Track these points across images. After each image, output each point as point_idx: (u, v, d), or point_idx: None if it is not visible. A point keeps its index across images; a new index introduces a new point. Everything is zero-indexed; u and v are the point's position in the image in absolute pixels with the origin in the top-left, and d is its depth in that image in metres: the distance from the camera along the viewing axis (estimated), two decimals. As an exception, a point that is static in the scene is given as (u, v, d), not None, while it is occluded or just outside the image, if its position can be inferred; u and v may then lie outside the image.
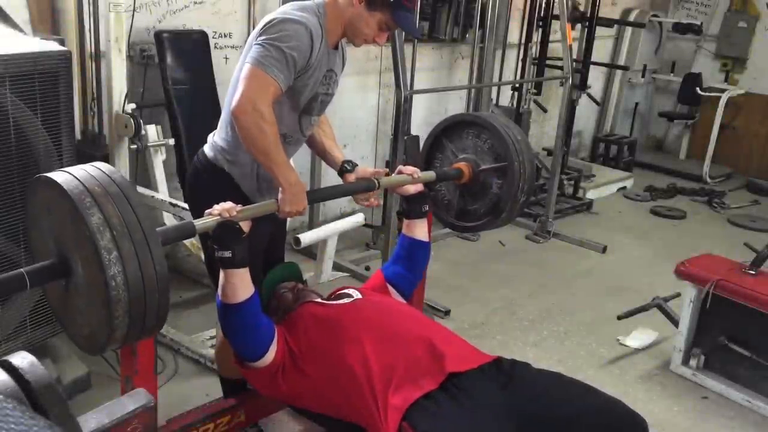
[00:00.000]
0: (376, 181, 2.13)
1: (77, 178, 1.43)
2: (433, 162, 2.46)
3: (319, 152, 2.36)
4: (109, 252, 1.35)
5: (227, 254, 1.77)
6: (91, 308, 1.43)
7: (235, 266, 1.79)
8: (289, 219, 3.85)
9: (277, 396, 2.03)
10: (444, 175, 2.30)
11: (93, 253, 1.36)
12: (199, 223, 1.72)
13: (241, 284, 1.81)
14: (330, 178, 4.69)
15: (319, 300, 2.10)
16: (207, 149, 2.16)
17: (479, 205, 2.36)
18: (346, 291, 2.16)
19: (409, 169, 2.19)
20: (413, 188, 2.19)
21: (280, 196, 1.98)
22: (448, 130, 2.41)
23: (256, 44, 1.93)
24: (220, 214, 1.75)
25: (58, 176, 1.45)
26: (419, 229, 2.22)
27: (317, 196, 2.02)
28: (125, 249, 1.37)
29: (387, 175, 2.24)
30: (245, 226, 1.82)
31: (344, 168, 2.23)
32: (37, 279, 1.46)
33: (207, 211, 1.76)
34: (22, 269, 1.43)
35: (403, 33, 3.47)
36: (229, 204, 1.78)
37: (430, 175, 2.24)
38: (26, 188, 2.34)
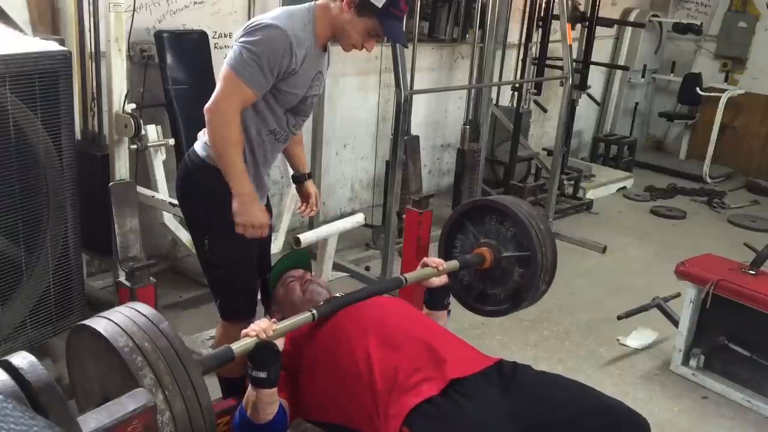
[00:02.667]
0: (403, 279, 2.14)
1: (125, 332, 1.39)
2: (453, 242, 2.45)
3: (285, 154, 2.46)
4: (162, 414, 1.34)
5: (262, 375, 1.72)
6: None
7: (269, 386, 1.74)
8: (288, 219, 3.85)
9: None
10: (466, 263, 2.28)
11: None
12: (237, 347, 1.68)
13: (271, 401, 1.77)
14: (331, 178, 4.70)
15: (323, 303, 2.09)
16: (199, 149, 2.16)
17: (499, 290, 2.35)
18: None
19: (435, 261, 2.18)
20: (438, 281, 2.17)
21: (234, 209, 2.04)
22: (470, 213, 2.39)
23: (235, 46, 1.98)
24: (257, 335, 1.70)
25: (105, 328, 1.40)
26: (439, 321, 2.20)
27: (354, 297, 2.02)
28: (177, 407, 1.36)
29: (314, 204, 2.50)
30: (280, 343, 1.78)
31: (296, 178, 2.51)
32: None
33: (243, 331, 1.72)
34: (77, 419, 1.38)
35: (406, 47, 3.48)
36: (265, 322, 1.74)
37: (454, 265, 2.23)
38: (36, 191, 2.36)
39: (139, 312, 1.47)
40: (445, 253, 2.43)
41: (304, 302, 2.10)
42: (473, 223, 2.39)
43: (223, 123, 1.98)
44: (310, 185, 2.51)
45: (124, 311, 1.47)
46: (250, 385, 1.76)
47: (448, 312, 2.27)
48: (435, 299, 2.21)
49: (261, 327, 1.72)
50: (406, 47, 3.38)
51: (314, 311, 1.86)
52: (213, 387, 2.55)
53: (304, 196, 2.52)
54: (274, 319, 1.80)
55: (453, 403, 1.70)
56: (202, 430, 1.40)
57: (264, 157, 2.19)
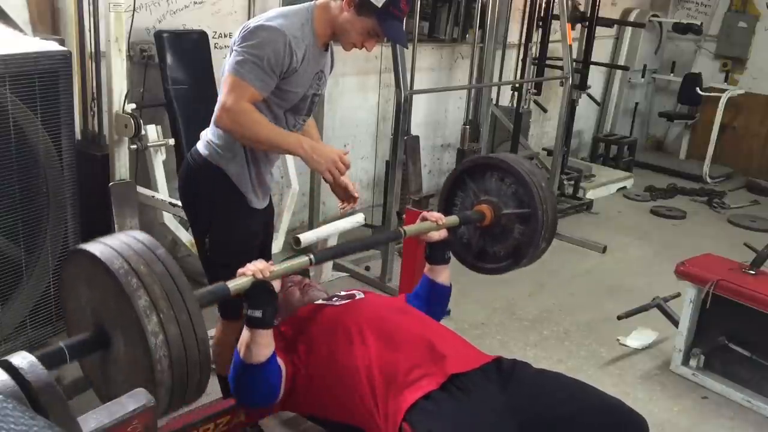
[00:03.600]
0: (402, 231, 2.14)
1: (121, 255, 1.39)
2: (454, 200, 2.45)
3: None
4: (156, 336, 1.33)
5: (258, 314, 1.73)
6: (130, 383, 1.41)
7: (264, 326, 1.76)
8: (288, 219, 3.85)
9: (283, 410, 2.04)
10: (467, 219, 2.28)
11: (139, 335, 1.33)
12: (234, 284, 1.69)
13: (265, 343, 1.78)
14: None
15: (321, 302, 2.10)
16: (201, 147, 2.16)
17: (499, 248, 2.35)
18: (350, 293, 2.16)
19: (434, 215, 2.17)
20: (437, 235, 2.17)
21: (308, 165, 2.00)
22: (471, 170, 2.39)
23: (234, 52, 1.97)
24: (253, 274, 1.71)
25: (101, 251, 1.40)
26: (441, 275, 2.22)
27: (349, 247, 2.01)
28: (171, 332, 1.35)
29: (353, 196, 2.29)
30: (277, 284, 1.78)
31: None
32: (76, 352, 1.45)
33: (240, 270, 1.73)
34: (61, 343, 1.42)
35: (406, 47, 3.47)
36: (261, 263, 1.74)
37: (454, 220, 2.23)
38: (36, 191, 2.36)
39: (136, 238, 1.46)
40: (445, 211, 2.42)
41: (303, 303, 2.10)
42: (474, 180, 2.38)
43: (236, 116, 1.93)
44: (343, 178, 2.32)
45: (121, 237, 1.46)
46: (245, 326, 1.77)
47: (448, 312, 2.27)
48: (435, 253, 2.20)
49: (258, 267, 1.73)
50: (406, 48, 3.38)
51: (311, 256, 1.86)
52: (213, 387, 2.55)
53: (340, 189, 2.26)
54: (271, 261, 1.79)
55: (452, 399, 1.71)
56: (196, 357, 1.39)
57: (265, 157, 2.19)
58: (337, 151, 2.03)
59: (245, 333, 1.78)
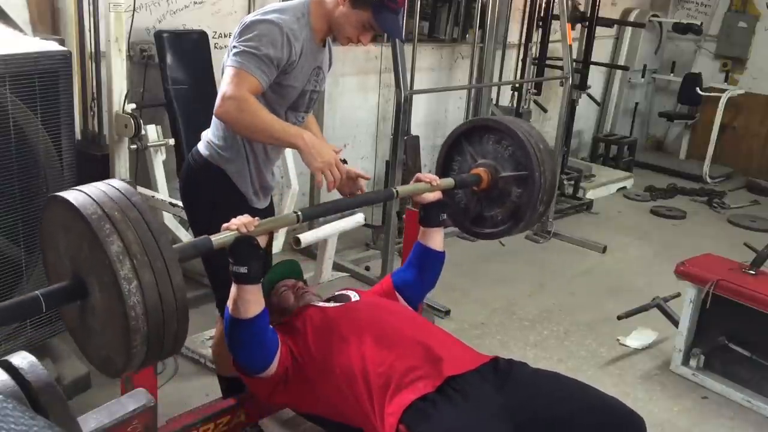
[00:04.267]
0: (394, 191, 2.11)
1: (96, 201, 1.37)
2: (451, 164, 2.41)
3: None
4: (129, 282, 1.31)
5: (243, 269, 1.73)
6: (108, 332, 1.41)
7: (249, 282, 1.75)
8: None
9: (278, 402, 2.04)
10: (462, 182, 2.24)
11: (112, 281, 1.32)
12: (217, 238, 1.67)
13: (253, 299, 1.79)
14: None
15: (317, 303, 2.10)
16: (202, 148, 2.16)
17: (497, 211, 2.31)
18: (344, 293, 2.15)
19: (428, 176, 2.14)
20: (432, 196, 2.14)
21: (303, 159, 1.96)
22: (468, 133, 2.35)
23: (233, 48, 1.96)
24: (237, 229, 1.71)
25: (75, 197, 1.38)
26: (435, 239, 2.19)
27: (338, 205, 1.98)
28: (145, 278, 1.33)
29: (368, 178, 2.26)
30: (262, 240, 1.78)
31: None
32: (53, 301, 1.43)
33: (224, 225, 1.72)
34: (37, 292, 1.39)
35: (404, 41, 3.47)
36: (246, 218, 1.74)
37: (449, 182, 2.19)
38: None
39: (112, 186, 1.44)
40: (442, 176, 2.35)
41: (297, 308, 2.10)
42: (471, 143, 2.34)
43: (237, 104, 1.90)
44: (348, 169, 2.22)
45: (98, 185, 1.44)
46: (233, 282, 1.76)
47: (448, 312, 2.26)
48: (428, 214, 2.17)
49: (242, 221, 1.71)
50: (403, 41, 3.36)
51: (299, 213, 1.84)
52: (213, 387, 2.56)
53: (350, 179, 2.18)
54: (257, 218, 1.78)
55: (448, 400, 1.71)
56: (173, 305, 1.37)
57: (266, 155, 2.19)
58: (335, 155, 2.00)
59: (233, 289, 1.78)
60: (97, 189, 1.41)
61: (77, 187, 1.44)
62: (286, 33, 1.95)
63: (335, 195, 2.21)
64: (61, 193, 1.42)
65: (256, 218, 1.77)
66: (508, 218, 2.30)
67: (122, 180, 1.50)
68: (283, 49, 1.96)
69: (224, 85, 1.94)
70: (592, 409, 1.75)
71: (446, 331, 2.05)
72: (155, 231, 1.38)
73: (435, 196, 2.15)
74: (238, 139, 2.10)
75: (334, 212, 1.91)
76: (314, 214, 1.87)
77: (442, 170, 2.42)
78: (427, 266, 2.20)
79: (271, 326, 1.89)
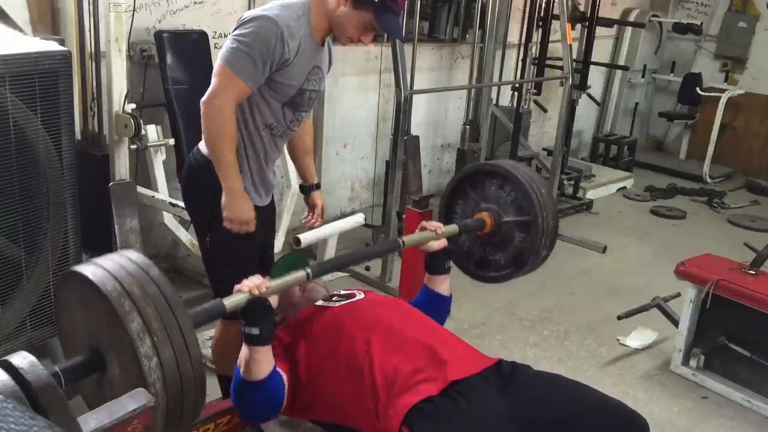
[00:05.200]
0: (400, 242, 2.13)
1: (114, 276, 1.38)
2: (454, 207, 2.43)
3: (294, 160, 2.52)
4: (149, 359, 1.32)
5: (255, 331, 1.71)
6: None
7: (261, 343, 1.74)
8: (288, 219, 3.85)
9: (289, 416, 2.04)
10: (466, 227, 2.26)
11: (132, 359, 1.32)
12: (229, 301, 1.67)
13: (264, 360, 1.77)
14: (331, 178, 4.70)
15: (321, 303, 2.09)
16: (203, 147, 2.17)
17: (500, 256, 2.33)
18: (350, 292, 2.15)
19: (433, 224, 2.15)
20: (437, 244, 2.15)
21: (223, 203, 2.06)
22: (471, 178, 2.38)
23: (228, 40, 2.00)
24: (249, 291, 1.70)
25: (94, 272, 1.39)
26: (441, 284, 2.21)
27: (347, 260, 2.01)
28: (165, 354, 1.34)
29: (321, 215, 2.51)
30: (273, 301, 1.77)
31: (304, 188, 2.51)
32: (72, 376, 1.43)
33: (236, 287, 1.72)
34: (56, 367, 1.39)
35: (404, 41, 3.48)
36: (258, 279, 1.73)
37: (453, 229, 2.20)
38: (36, 191, 2.36)
39: (130, 259, 1.44)
40: (446, 219, 2.40)
41: (304, 301, 2.10)
42: (474, 188, 2.36)
43: (218, 117, 2.00)
44: (317, 196, 2.51)
45: (114, 258, 1.44)
46: (243, 343, 1.75)
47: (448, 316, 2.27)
48: (435, 263, 2.19)
49: (254, 283, 1.71)
50: (403, 41, 3.37)
51: (308, 270, 1.84)
52: (213, 387, 2.55)
53: (310, 206, 2.53)
54: (267, 276, 1.78)
55: (452, 403, 1.70)
56: (191, 378, 1.38)
57: (265, 152, 2.19)
58: (252, 217, 2.10)
59: (244, 350, 1.76)
60: (114, 263, 1.42)
61: (94, 260, 1.44)
62: (281, 30, 1.96)
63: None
64: (78, 268, 1.43)
65: (267, 277, 1.77)
66: (511, 263, 2.32)
67: (136, 251, 1.51)
68: (276, 47, 1.97)
69: (216, 81, 2.00)
70: (595, 411, 1.75)
71: (450, 331, 2.05)
72: (173, 305, 1.39)
73: (440, 244, 2.16)
74: (239, 139, 2.10)
75: (344, 267, 1.94)
76: (324, 270, 1.91)
77: (446, 214, 2.44)
78: (434, 309, 2.21)
79: (278, 372, 1.85)
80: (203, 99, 2.02)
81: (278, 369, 1.84)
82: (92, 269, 1.40)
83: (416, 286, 2.30)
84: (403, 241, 2.13)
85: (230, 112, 2.01)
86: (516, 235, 2.27)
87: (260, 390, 1.80)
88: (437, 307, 2.22)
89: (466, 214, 2.38)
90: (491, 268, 2.37)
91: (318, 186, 2.52)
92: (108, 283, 1.36)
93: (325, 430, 2.01)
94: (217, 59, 2.02)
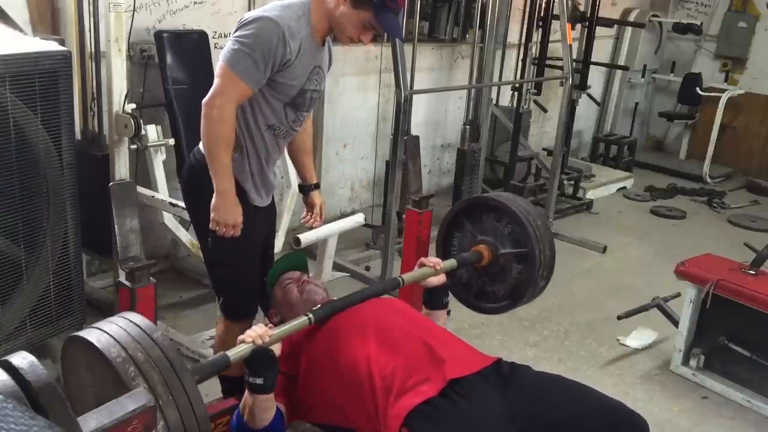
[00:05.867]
0: (400, 280, 2.14)
1: (118, 342, 1.40)
2: (451, 240, 2.45)
3: (293, 160, 2.52)
4: (156, 423, 1.35)
5: (259, 381, 1.72)
6: None
7: (264, 392, 1.75)
8: (288, 219, 3.86)
9: (291, 421, 2.04)
10: (464, 261, 2.28)
11: None
12: (233, 353, 1.68)
13: (268, 407, 1.78)
14: (331, 178, 4.70)
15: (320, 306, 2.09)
16: (203, 147, 2.17)
17: (498, 287, 2.35)
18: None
19: (432, 260, 2.18)
20: (436, 280, 2.18)
21: (212, 204, 2.07)
22: (467, 211, 2.40)
23: (230, 41, 2.00)
24: (253, 341, 1.71)
25: (98, 338, 1.41)
26: (439, 320, 2.21)
27: (348, 302, 2.01)
28: (171, 417, 1.36)
29: (320, 215, 2.52)
30: (277, 349, 1.78)
31: (303, 188, 2.51)
32: None
33: (239, 338, 1.73)
34: None
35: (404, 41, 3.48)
36: (261, 328, 1.74)
37: (452, 263, 2.23)
38: (36, 191, 2.36)
39: (133, 322, 1.47)
40: (443, 252, 2.43)
41: (302, 302, 2.10)
42: (470, 220, 2.39)
43: (218, 118, 2.00)
44: (316, 196, 2.50)
45: (117, 321, 1.47)
46: (246, 390, 1.76)
47: (448, 312, 2.27)
48: (434, 299, 2.21)
49: (257, 333, 1.72)
50: (403, 40, 3.38)
51: (311, 315, 1.86)
52: (213, 387, 2.55)
53: (309, 206, 2.53)
54: (270, 325, 1.80)
55: (451, 404, 1.70)
56: None
57: (266, 153, 2.19)
58: (239, 221, 2.11)
59: (247, 398, 1.77)
60: (118, 328, 1.44)
61: (97, 326, 1.47)
62: (283, 31, 1.97)
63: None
64: (82, 333, 1.45)
65: (270, 325, 1.78)
66: (509, 294, 2.34)
67: (139, 315, 1.53)
68: (277, 48, 1.97)
69: (218, 82, 2.01)
70: (595, 412, 1.75)
71: (450, 331, 2.05)
72: (177, 368, 1.42)
73: (439, 280, 2.18)
74: (239, 139, 2.10)
75: (344, 309, 1.97)
76: (325, 314, 1.93)
77: (443, 247, 2.46)
78: None
79: (278, 410, 1.85)
80: (205, 100, 2.02)
81: (278, 404, 1.84)
82: (96, 335, 1.43)
83: (416, 287, 2.30)
84: (402, 279, 2.15)
85: (230, 114, 2.01)
86: (513, 266, 2.29)
87: None
88: None
89: (463, 246, 2.40)
90: (490, 300, 2.39)
91: (317, 186, 2.52)
92: (113, 349, 1.39)
93: (325, 431, 2.01)
94: (219, 61, 2.02)
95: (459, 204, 2.48)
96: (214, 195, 2.07)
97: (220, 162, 2.04)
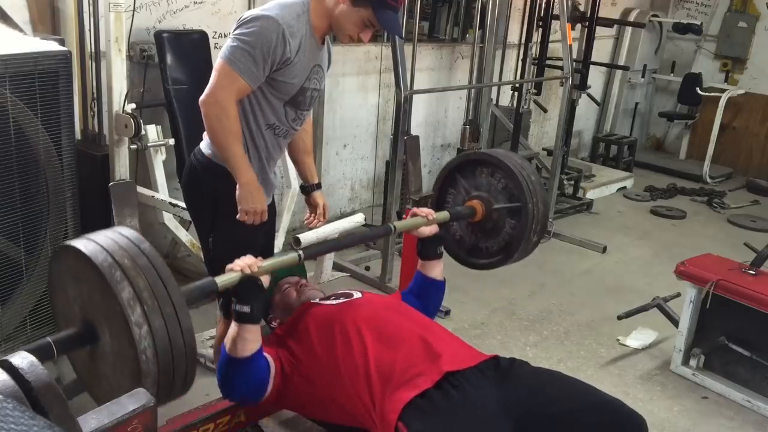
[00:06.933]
0: (392, 227, 2.15)
1: (106, 249, 1.40)
2: (445, 197, 2.46)
3: (293, 160, 2.51)
4: (140, 326, 1.34)
5: (246, 309, 1.75)
6: (118, 376, 1.43)
7: (252, 321, 1.77)
8: (288, 219, 3.86)
9: (285, 408, 2.05)
10: (457, 214, 2.29)
11: (123, 327, 1.35)
12: (222, 280, 1.70)
13: (252, 338, 1.80)
14: (330, 179, 4.70)
15: (318, 301, 2.10)
16: (204, 147, 2.17)
17: (491, 243, 2.36)
18: (347, 291, 2.16)
19: (424, 210, 2.19)
20: (428, 230, 2.18)
21: (238, 196, 2.06)
22: (461, 167, 2.41)
23: (229, 39, 2.01)
24: (241, 270, 1.73)
25: (86, 246, 1.42)
26: (434, 269, 2.23)
27: (338, 244, 2.03)
28: (156, 323, 1.36)
29: (323, 215, 2.47)
30: (265, 280, 1.80)
31: (305, 188, 2.48)
32: (64, 347, 1.45)
33: (228, 266, 1.75)
34: (48, 338, 1.42)
35: (403, 39, 3.48)
36: (250, 258, 1.76)
37: (444, 215, 2.24)
38: (36, 191, 2.36)
39: (122, 234, 1.47)
40: (437, 209, 2.41)
41: (300, 304, 2.11)
42: (464, 177, 2.40)
43: (221, 113, 2.00)
44: (318, 196, 2.49)
45: (106, 233, 1.47)
46: (233, 321, 1.78)
47: (447, 313, 2.28)
48: (426, 248, 2.22)
49: (246, 262, 1.74)
50: (402, 38, 3.38)
51: (300, 252, 1.88)
52: (213, 387, 2.55)
53: (312, 207, 2.50)
54: (260, 257, 1.80)
55: (447, 396, 1.71)
56: (182, 348, 1.39)
57: (267, 152, 2.20)
58: (266, 206, 2.12)
59: (233, 328, 1.79)
60: (106, 237, 1.45)
61: (86, 236, 1.47)
62: (282, 30, 1.97)
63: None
64: (70, 242, 1.46)
65: (259, 258, 1.79)
66: (502, 249, 2.35)
67: (129, 227, 1.53)
68: (278, 46, 1.98)
69: (215, 78, 2.00)
70: (592, 407, 1.75)
71: (446, 329, 2.05)
72: (164, 277, 1.42)
73: (431, 230, 2.19)
74: (240, 139, 2.11)
75: (335, 250, 1.99)
76: (315, 252, 1.95)
77: (437, 203, 2.47)
78: (428, 294, 2.25)
79: (263, 356, 1.87)
80: (202, 98, 2.02)
81: (266, 355, 1.86)
82: (84, 243, 1.43)
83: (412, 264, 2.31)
84: (394, 226, 2.16)
85: (232, 108, 2.01)
86: (507, 221, 2.30)
87: (244, 368, 1.82)
88: (431, 292, 2.25)
89: (457, 203, 2.41)
90: (482, 255, 2.40)
91: (319, 186, 2.51)
92: (99, 255, 1.39)
93: (326, 429, 2.02)
94: (218, 58, 2.02)
95: (453, 160, 2.49)
96: (238, 187, 2.06)
97: (234, 155, 2.04)
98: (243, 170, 2.05)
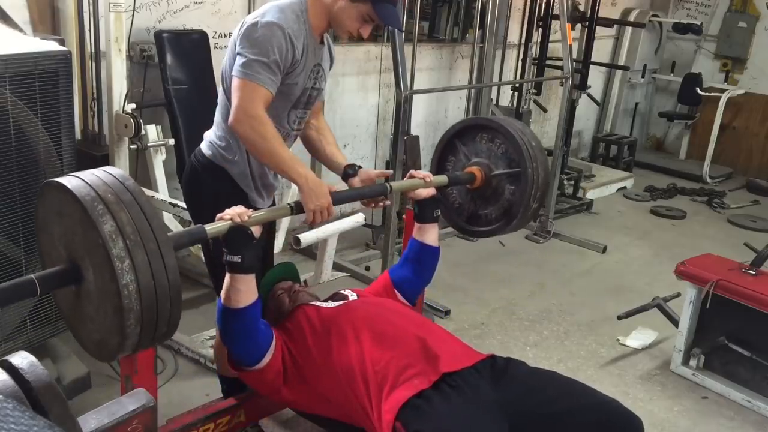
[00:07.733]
0: (388, 186, 2.12)
1: (89, 184, 1.39)
2: (445, 164, 2.43)
3: (322, 159, 2.37)
4: (122, 260, 1.33)
5: (236, 258, 1.75)
6: (102, 315, 1.42)
7: (243, 271, 1.77)
8: (288, 219, 3.85)
9: (279, 399, 2.04)
10: (456, 179, 2.26)
11: (105, 261, 1.33)
12: (211, 227, 1.69)
13: (246, 289, 1.80)
14: (330, 179, 4.70)
15: (314, 303, 2.10)
16: (204, 148, 2.17)
17: (491, 209, 2.33)
18: (342, 292, 2.16)
19: (421, 173, 2.17)
20: (425, 192, 2.17)
21: (301, 197, 1.97)
22: (461, 133, 2.37)
23: (237, 54, 1.96)
24: (231, 219, 1.73)
25: (70, 181, 1.41)
26: (430, 234, 2.21)
27: (333, 199, 1.99)
28: (138, 258, 1.34)
29: (390, 176, 2.27)
30: (256, 231, 1.80)
31: (347, 172, 2.23)
32: (47, 285, 1.44)
33: (218, 215, 1.74)
34: (32, 275, 1.41)
35: (403, 32, 3.48)
36: (240, 208, 1.76)
37: (442, 179, 2.21)
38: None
39: (107, 171, 1.47)
40: (437, 174, 2.36)
41: (294, 309, 2.11)
42: (464, 142, 2.37)
43: (255, 123, 1.92)
44: (366, 173, 2.21)
45: (93, 171, 1.47)
46: (226, 272, 1.78)
47: (447, 313, 2.27)
48: (423, 211, 2.20)
49: (236, 212, 1.74)
50: (402, 31, 3.36)
51: (292, 204, 1.89)
52: (213, 387, 2.56)
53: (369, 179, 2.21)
54: (251, 208, 1.81)
55: (444, 396, 1.71)
56: (165, 285, 1.38)
57: None
58: (330, 199, 1.98)
59: (226, 279, 1.80)
60: (92, 174, 1.44)
61: (73, 173, 1.46)
62: (288, 34, 1.96)
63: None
64: (56, 178, 1.45)
65: (251, 209, 1.79)
66: (501, 216, 2.32)
67: (117, 168, 1.53)
68: (287, 51, 1.96)
69: (237, 96, 1.93)
70: (588, 407, 1.75)
71: (444, 328, 2.05)
72: (148, 214, 1.40)
73: (429, 192, 2.17)
74: (282, 141, 2.09)
75: (342, 202, 1.97)
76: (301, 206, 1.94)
77: (437, 170, 2.44)
78: (423, 261, 2.22)
79: (265, 321, 1.91)
80: (231, 121, 1.94)
81: (274, 332, 1.89)
82: (68, 179, 1.43)
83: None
84: (390, 186, 2.12)
85: (264, 115, 1.94)
86: (506, 187, 2.27)
87: (241, 318, 1.83)
88: (426, 257, 2.23)
89: (457, 169, 2.39)
90: (482, 223, 2.37)
91: (359, 166, 2.26)
92: (82, 189, 1.38)
93: (325, 429, 2.02)
94: (233, 76, 1.96)
95: (453, 127, 2.45)
96: (299, 190, 1.97)
97: (284, 160, 1.96)
98: (297, 170, 1.96)
